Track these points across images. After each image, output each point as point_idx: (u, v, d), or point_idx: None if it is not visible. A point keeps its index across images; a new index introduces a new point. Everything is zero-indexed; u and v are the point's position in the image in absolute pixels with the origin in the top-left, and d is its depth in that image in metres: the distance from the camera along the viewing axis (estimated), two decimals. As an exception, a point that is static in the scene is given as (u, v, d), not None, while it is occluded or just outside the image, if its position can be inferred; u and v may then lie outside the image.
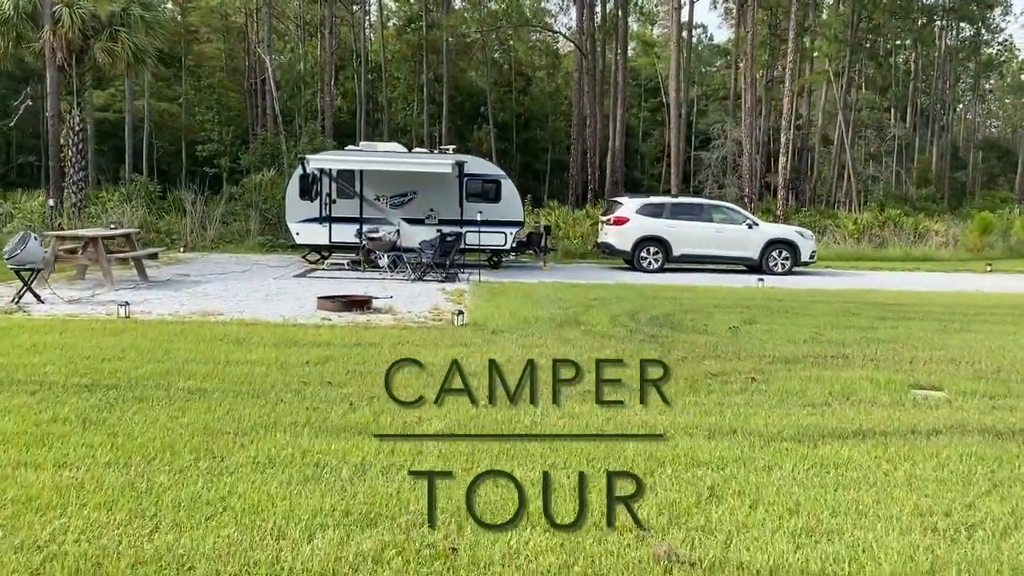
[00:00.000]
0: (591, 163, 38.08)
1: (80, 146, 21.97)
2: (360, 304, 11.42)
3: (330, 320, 10.53)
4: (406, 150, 18.85)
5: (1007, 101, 78.03)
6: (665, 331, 10.18)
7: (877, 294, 15.16)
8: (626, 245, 18.72)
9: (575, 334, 9.81)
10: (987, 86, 70.01)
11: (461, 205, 17.96)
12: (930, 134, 60.25)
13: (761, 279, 16.05)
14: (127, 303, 10.35)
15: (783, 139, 29.64)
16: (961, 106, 72.60)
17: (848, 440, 5.72)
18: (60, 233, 14.25)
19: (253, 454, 5.08)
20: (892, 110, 57.91)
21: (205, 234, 22.98)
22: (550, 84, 54.56)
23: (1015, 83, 71.96)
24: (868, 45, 47.50)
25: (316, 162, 17.01)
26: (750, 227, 18.80)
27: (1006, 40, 65.27)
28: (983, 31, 61.37)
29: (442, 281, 15.71)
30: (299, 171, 17.82)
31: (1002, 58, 65.30)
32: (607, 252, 19.38)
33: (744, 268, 19.51)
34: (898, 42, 57.88)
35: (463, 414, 6.10)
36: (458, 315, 10.24)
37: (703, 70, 72.04)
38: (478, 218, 16.45)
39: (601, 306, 12.37)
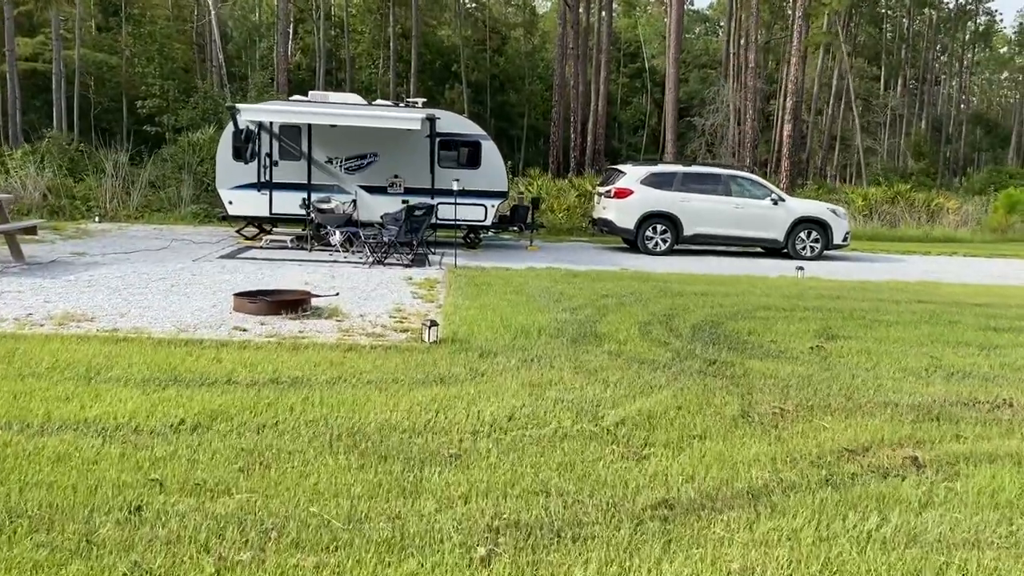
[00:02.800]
0: (574, 128, 34.86)
1: (-26, 93, 18.28)
2: (292, 305, 8.25)
3: (245, 331, 7.36)
4: (365, 102, 15.53)
5: (984, 76, 75.95)
6: (725, 352, 7.17)
7: (948, 289, 12.31)
8: (628, 222, 15.64)
9: (600, 358, 6.76)
10: (970, 57, 67.72)
11: (432, 171, 14.73)
12: (918, 106, 57.86)
13: (801, 268, 13.10)
14: (-58, 305, 7.08)
15: (788, 104, 26.66)
16: (944, 77, 70.40)
17: None
18: None
19: None
20: (881, 80, 55.37)
21: (130, 201, 19.49)
22: (527, 44, 51.03)
23: (996, 56, 69.90)
24: (865, 7, 44.63)
25: (251, 114, 13.59)
26: (775, 203, 15.82)
27: (993, 10, 63.18)
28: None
29: (408, 266, 12.57)
30: (231, 126, 14.42)
31: (991, 28, 63.15)
32: (605, 230, 16.27)
33: (761, 250, 16.59)
34: (890, 11, 55.30)
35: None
36: (430, 327, 7.13)
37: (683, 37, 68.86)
38: (455, 188, 13.23)
39: (619, 307, 9.32)
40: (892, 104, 48.74)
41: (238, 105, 13.17)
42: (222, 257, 12.78)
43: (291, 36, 42.58)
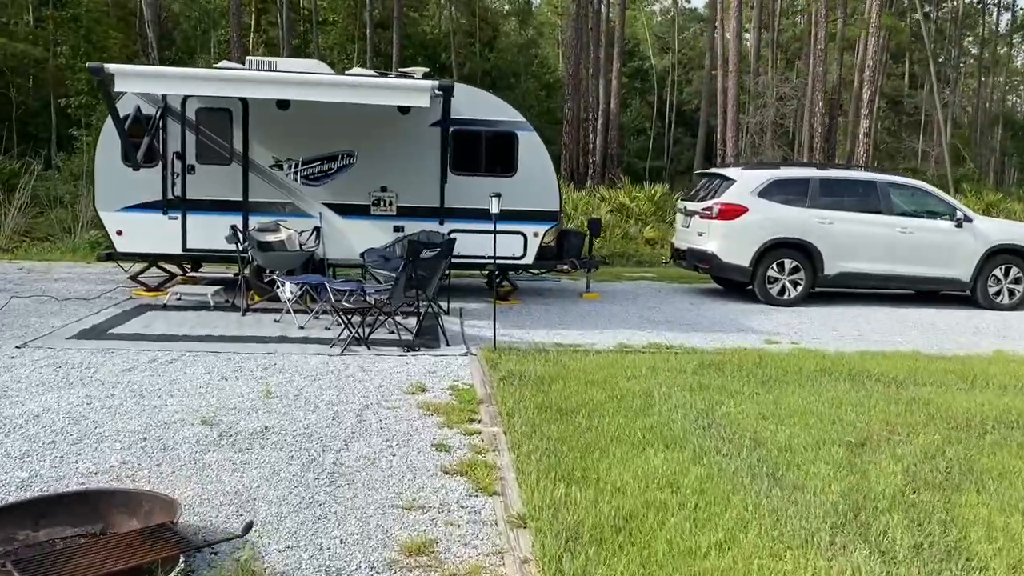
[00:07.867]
0: (592, 128, 29.55)
1: None
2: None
3: None
4: (330, 70, 10.00)
5: (986, 79, 71.68)
6: None
7: None
8: (743, 256, 10.18)
9: None
10: (988, 55, 63.45)
11: (444, 178, 9.22)
12: (940, 107, 53.29)
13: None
14: None
15: (865, 94, 21.47)
16: (960, 76, 66.13)
17: None
18: None
19: None
20: (906, 78, 50.74)
21: (3, 226, 13.80)
22: (521, 36, 45.71)
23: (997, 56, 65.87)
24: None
25: (135, 81, 7.92)
26: (959, 225, 10.47)
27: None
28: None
29: (411, 348, 7.04)
30: (117, 113, 8.75)
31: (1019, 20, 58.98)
32: (702, 267, 10.72)
33: (910, 291, 11.23)
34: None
35: None
36: None
37: (679, 37, 64.21)
38: (493, 209, 7.55)
39: (947, 508, 3.83)
40: (925, 105, 44.07)
41: (109, 66, 7.52)
42: (78, 336, 7.11)
43: (252, 28, 36.95)
